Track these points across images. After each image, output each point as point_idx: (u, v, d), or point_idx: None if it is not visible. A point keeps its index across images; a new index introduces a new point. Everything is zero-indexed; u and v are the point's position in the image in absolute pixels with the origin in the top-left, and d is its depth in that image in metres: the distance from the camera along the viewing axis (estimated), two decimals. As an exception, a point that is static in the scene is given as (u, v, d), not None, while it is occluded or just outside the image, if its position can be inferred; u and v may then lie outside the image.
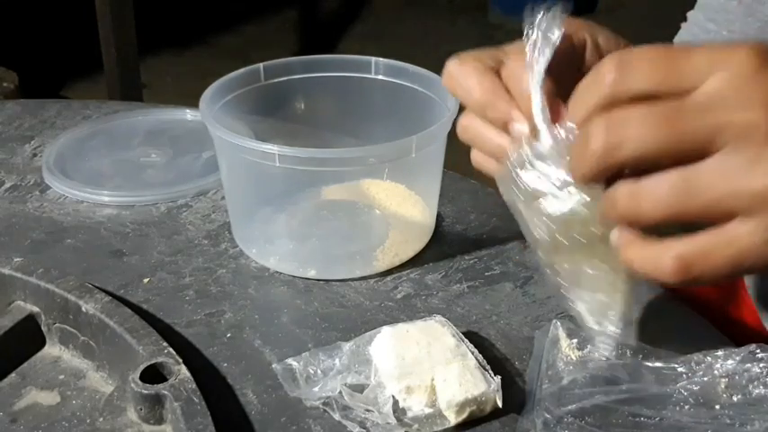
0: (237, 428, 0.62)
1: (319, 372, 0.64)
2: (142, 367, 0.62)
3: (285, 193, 0.82)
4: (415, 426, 0.61)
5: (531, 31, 0.52)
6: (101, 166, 0.96)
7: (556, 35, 0.51)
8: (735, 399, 0.61)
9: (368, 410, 0.61)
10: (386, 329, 0.66)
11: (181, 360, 0.62)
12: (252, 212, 0.82)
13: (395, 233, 0.79)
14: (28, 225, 0.85)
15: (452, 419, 0.61)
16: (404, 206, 0.81)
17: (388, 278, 0.77)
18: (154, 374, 0.62)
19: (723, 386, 0.62)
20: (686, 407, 0.61)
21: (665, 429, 0.60)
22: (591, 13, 3.59)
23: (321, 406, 0.62)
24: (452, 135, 0.76)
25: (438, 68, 0.83)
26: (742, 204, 0.42)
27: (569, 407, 0.61)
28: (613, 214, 0.45)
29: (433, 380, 0.62)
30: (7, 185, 0.92)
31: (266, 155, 0.71)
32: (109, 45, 2.32)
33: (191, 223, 0.86)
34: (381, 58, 0.85)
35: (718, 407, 0.61)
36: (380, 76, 0.84)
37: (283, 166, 0.72)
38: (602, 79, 0.44)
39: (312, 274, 0.77)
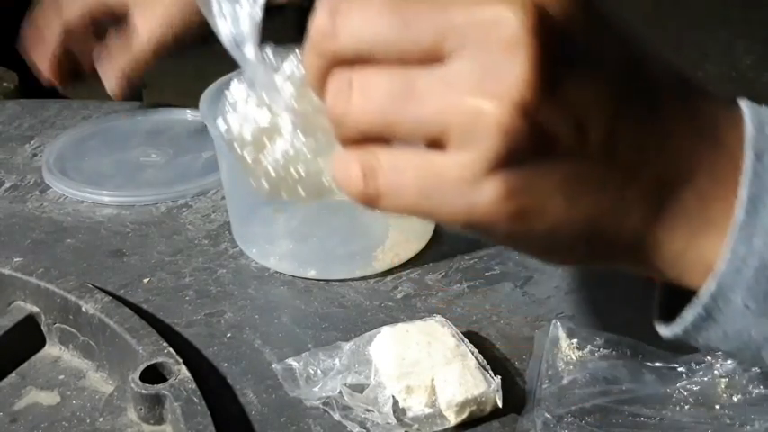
0: (237, 428, 0.62)
1: (319, 372, 0.64)
2: (142, 367, 0.62)
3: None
4: (415, 426, 0.61)
5: None
6: (101, 166, 0.96)
7: None
8: (735, 399, 0.61)
9: (368, 410, 0.61)
10: (386, 329, 0.66)
11: (181, 360, 0.62)
12: (252, 212, 0.81)
13: (395, 233, 0.79)
14: (28, 225, 0.85)
15: (452, 419, 0.61)
16: (404, 206, 0.81)
17: (388, 278, 0.77)
18: (154, 374, 0.61)
19: (723, 386, 0.62)
20: (686, 407, 0.61)
21: (665, 429, 0.60)
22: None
23: (321, 406, 0.62)
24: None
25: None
26: (453, 126, 0.33)
27: (569, 407, 0.61)
28: (326, 110, 0.37)
29: (432, 380, 0.62)
30: (7, 185, 0.92)
31: None
32: (109, 45, 2.32)
33: (191, 223, 0.86)
34: None
35: (718, 407, 0.61)
36: None
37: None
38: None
39: (312, 274, 0.77)
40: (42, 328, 0.70)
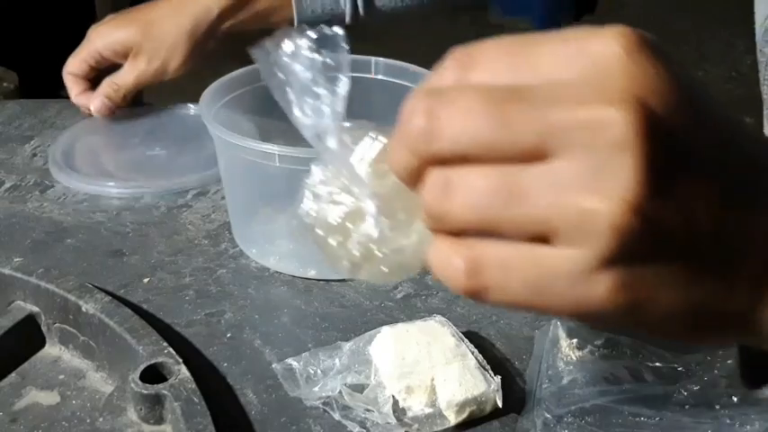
0: (237, 428, 0.62)
1: (319, 372, 0.64)
2: (142, 367, 0.62)
3: (285, 193, 0.82)
4: (415, 426, 0.61)
5: None
6: (104, 163, 0.97)
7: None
8: (735, 399, 0.61)
9: (368, 410, 0.61)
10: (386, 329, 0.66)
11: (181, 360, 0.62)
12: (252, 212, 0.81)
13: (395, 233, 0.79)
14: (28, 225, 0.85)
15: (452, 419, 0.61)
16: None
17: (388, 278, 0.77)
18: (154, 374, 0.61)
19: (723, 386, 0.62)
20: (686, 407, 0.61)
21: (664, 429, 0.60)
22: (591, 13, 3.59)
23: (321, 406, 0.62)
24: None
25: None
26: (563, 225, 0.33)
27: (569, 407, 0.61)
28: (423, 209, 0.36)
29: (433, 380, 0.62)
30: (7, 185, 0.92)
31: (266, 155, 0.71)
32: (109, 45, 2.32)
33: (191, 223, 0.86)
34: (381, 58, 0.85)
35: (718, 407, 0.61)
36: (380, 76, 0.84)
37: (283, 165, 0.71)
38: (444, 78, 0.37)
39: (312, 274, 0.77)
40: (42, 328, 0.70)
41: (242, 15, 1.01)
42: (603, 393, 0.61)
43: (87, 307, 0.67)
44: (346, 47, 0.44)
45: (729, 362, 0.61)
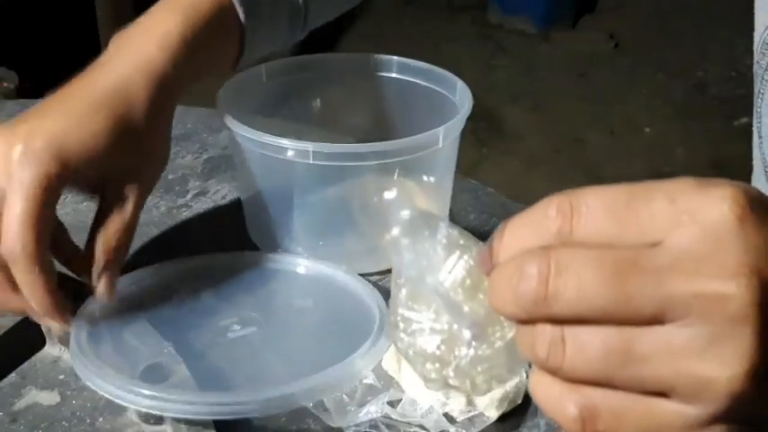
0: (237, 428, 0.62)
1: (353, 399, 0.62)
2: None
3: (298, 190, 0.81)
4: (462, 429, 0.60)
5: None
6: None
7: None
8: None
9: (419, 426, 0.60)
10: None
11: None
12: (265, 209, 0.81)
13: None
14: (28, 225, 0.85)
15: (493, 415, 0.61)
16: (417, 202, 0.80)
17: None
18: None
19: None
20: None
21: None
22: (591, 12, 3.59)
23: (368, 430, 0.61)
24: (453, 135, 0.76)
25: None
26: (681, 388, 0.35)
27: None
28: (530, 355, 0.38)
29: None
30: (7, 185, 0.92)
31: (280, 149, 0.72)
32: (109, 45, 2.32)
33: (191, 223, 0.86)
34: (395, 57, 0.84)
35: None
36: (393, 74, 0.84)
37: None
38: (545, 226, 0.37)
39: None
40: (42, 328, 0.70)
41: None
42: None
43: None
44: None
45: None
